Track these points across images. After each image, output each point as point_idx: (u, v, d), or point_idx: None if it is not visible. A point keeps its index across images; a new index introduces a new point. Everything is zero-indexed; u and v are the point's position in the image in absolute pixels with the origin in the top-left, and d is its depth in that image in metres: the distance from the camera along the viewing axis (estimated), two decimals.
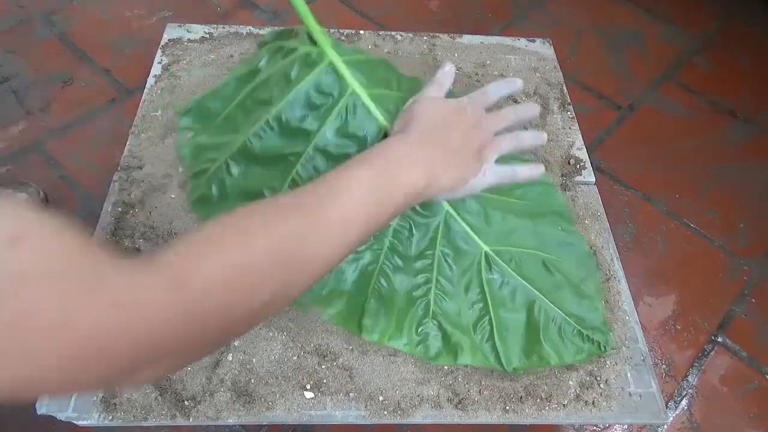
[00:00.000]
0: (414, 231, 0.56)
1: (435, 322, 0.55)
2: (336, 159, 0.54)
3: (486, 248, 0.57)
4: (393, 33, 0.89)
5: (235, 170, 0.58)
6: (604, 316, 0.58)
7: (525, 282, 0.57)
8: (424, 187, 0.45)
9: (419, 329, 0.55)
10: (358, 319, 0.54)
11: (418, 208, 0.55)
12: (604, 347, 0.55)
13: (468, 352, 0.54)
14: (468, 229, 0.56)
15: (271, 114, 0.55)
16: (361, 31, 0.89)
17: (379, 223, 0.42)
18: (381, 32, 0.89)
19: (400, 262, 0.56)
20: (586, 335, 0.56)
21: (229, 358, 0.57)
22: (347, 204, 0.39)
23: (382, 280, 0.55)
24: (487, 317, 0.56)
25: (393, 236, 0.56)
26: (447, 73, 0.55)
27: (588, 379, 0.58)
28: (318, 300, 0.56)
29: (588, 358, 0.56)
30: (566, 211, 0.63)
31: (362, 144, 0.54)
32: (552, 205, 0.63)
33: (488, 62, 0.87)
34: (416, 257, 0.56)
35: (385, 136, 0.53)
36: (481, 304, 0.56)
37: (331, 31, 0.88)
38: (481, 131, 0.51)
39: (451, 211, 0.56)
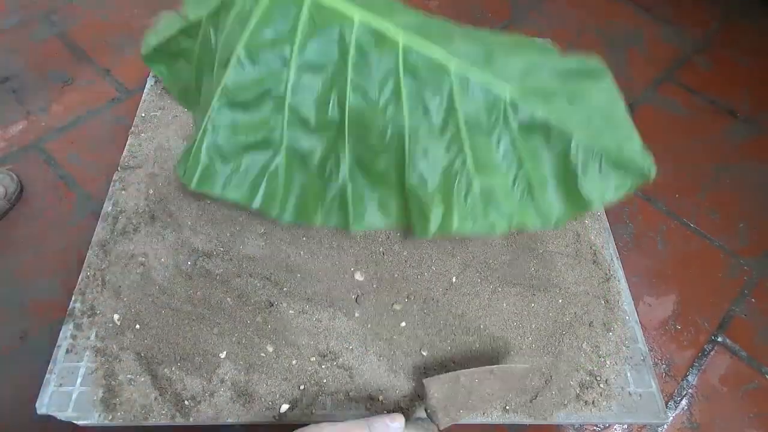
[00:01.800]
0: (428, 103, 0.52)
1: (477, 187, 0.53)
2: (323, 68, 0.52)
3: (509, 94, 0.52)
4: None
5: (221, 128, 0.54)
6: (641, 141, 0.54)
7: (555, 120, 0.52)
8: None
9: (466, 200, 0.53)
10: (415, 214, 0.54)
11: (423, 76, 0.52)
12: (648, 172, 0.52)
13: (508, 213, 0.54)
14: (484, 78, 0.52)
15: (239, 47, 0.51)
16: None
17: None
18: None
19: (427, 145, 0.53)
20: (628, 165, 0.52)
21: (230, 358, 0.56)
22: None
23: (412, 171, 0.54)
24: (522, 171, 0.53)
25: (409, 117, 0.53)
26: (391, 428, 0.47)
27: (588, 379, 0.58)
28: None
29: (632, 190, 0.53)
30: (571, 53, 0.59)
31: (342, 43, 0.51)
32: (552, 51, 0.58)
33: None
34: (440, 131, 0.53)
35: (367, 29, 0.51)
36: (514, 160, 0.53)
37: None
38: None
39: (461, 70, 0.52)
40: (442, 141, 0.53)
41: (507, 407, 0.56)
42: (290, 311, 0.59)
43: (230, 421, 0.53)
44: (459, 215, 0.53)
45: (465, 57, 0.52)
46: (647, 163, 0.52)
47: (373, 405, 0.55)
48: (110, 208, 0.67)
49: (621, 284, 0.66)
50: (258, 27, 0.50)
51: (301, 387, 0.55)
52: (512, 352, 0.58)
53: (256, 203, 0.55)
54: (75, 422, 0.53)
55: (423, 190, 0.54)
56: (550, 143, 0.53)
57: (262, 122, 0.54)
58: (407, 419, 0.47)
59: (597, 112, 0.53)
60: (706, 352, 0.78)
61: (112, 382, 0.55)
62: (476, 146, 0.53)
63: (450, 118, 0.53)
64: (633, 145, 0.53)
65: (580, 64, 0.55)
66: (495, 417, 0.55)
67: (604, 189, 0.53)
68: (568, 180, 0.53)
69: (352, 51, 0.51)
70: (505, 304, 0.61)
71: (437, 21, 0.56)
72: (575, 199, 0.53)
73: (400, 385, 0.56)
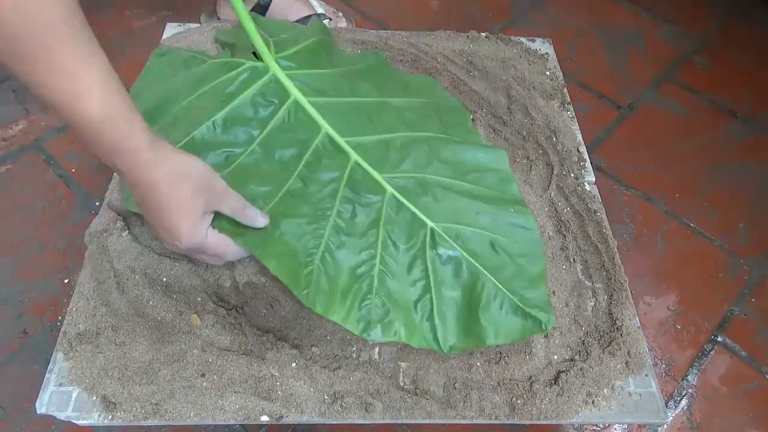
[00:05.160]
0: (357, 211, 0.57)
1: (379, 299, 0.53)
2: (276, 159, 0.60)
3: (431, 224, 0.57)
4: (393, 32, 0.89)
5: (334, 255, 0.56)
6: (548, 297, 0.57)
7: (470, 258, 0.56)
8: (136, 185, 0.47)
9: (363, 305, 0.53)
10: (301, 288, 0.52)
11: (361, 190, 0.58)
12: (546, 326, 0.54)
13: (406, 330, 0.53)
14: (413, 207, 0.57)
15: (217, 116, 0.60)
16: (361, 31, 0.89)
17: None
18: (381, 32, 0.89)
19: (344, 239, 0.55)
20: (528, 313, 0.54)
21: (231, 359, 0.57)
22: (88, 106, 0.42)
23: (327, 256, 0.54)
24: (429, 295, 0.54)
25: (336, 216, 0.56)
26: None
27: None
28: (264, 245, 0.54)
29: (527, 336, 0.55)
30: (520, 198, 0.62)
31: (303, 146, 0.60)
32: (507, 192, 0.62)
33: None
34: (361, 235, 0.56)
35: (330, 139, 0.60)
36: (423, 282, 0.55)
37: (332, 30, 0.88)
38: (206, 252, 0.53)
39: (395, 193, 0.58)
40: (359, 242, 0.56)
41: (507, 407, 0.56)
42: (291, 320, 0.59)
43: (231, 421, 0.53)
44: (355, 317, 0.52)
45: (402, 188, 0.59)
46: (546, 317, 0.54)
47: (373, 405, 0.55)
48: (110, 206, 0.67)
49: (621, 284, 0.66)
50: None
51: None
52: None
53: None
54: (75, 422, 0.53)
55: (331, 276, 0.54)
56: (459, 277, 0.55)
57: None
58: None
59: (512, 262, 0.57)
60: (706, 352, 0.78)
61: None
62: (388, 260, 0.55)
63: (372, 227, 0.56)
64: (537, 298, 0.56)
65: (519, 219, 0.60)
66: (495, 417, 0.55)
67: (500, 329, 0.54)
68: (470, 314, 0.54)
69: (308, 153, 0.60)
70: None
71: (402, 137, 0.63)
72: (473, 332, 0.54)
73: (401, 385, 0.56)
